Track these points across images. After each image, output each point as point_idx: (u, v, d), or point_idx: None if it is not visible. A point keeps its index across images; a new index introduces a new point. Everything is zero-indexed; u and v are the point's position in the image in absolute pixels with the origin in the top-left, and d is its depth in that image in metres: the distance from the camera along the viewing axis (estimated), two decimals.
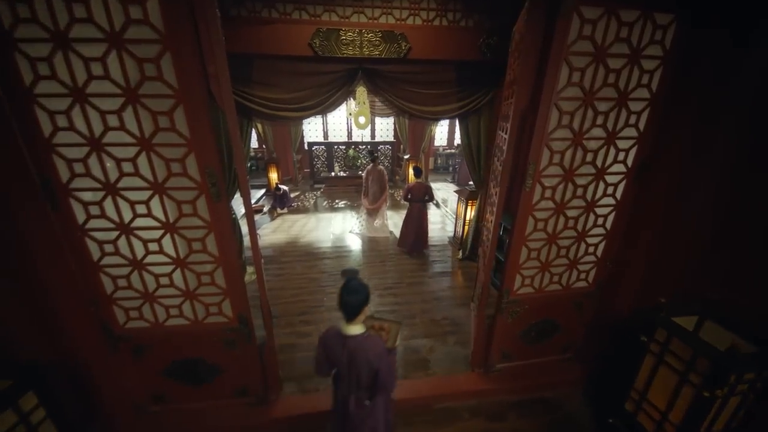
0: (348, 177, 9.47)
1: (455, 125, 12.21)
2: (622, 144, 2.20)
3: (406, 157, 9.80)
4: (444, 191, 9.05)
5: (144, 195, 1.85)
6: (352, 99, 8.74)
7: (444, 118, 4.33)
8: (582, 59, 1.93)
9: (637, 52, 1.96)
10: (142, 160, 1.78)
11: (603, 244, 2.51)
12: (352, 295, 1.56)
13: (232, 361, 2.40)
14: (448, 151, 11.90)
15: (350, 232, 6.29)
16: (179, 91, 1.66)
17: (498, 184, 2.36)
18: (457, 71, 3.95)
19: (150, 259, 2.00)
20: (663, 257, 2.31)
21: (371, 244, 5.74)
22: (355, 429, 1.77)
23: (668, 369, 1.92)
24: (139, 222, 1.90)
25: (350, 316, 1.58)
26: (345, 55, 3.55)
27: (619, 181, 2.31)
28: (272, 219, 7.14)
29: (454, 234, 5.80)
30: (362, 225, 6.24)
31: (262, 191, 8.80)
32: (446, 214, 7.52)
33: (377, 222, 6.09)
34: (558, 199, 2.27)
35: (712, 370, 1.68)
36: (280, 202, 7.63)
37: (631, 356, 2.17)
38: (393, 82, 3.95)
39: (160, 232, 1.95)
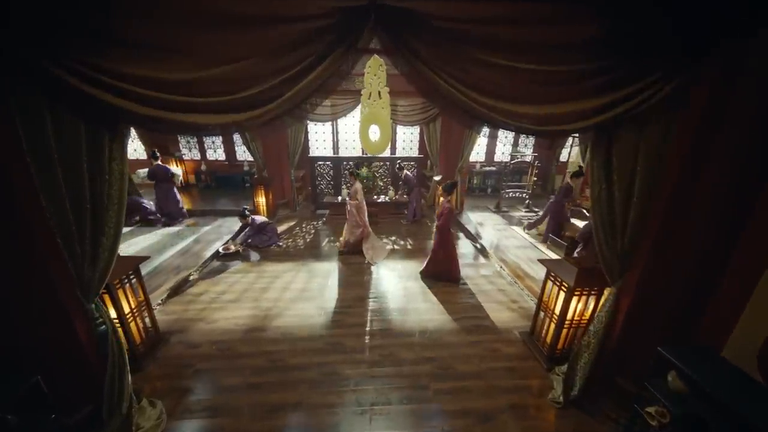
0: None
1: (501, 134, 9.50)
2: None
3: (436, 178, 7.46)
4: (490, 228, 6.56)
5: None
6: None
7: (562, 132, 1.94)
8: None
9: None
10: None
11: None
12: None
13: None
14: (488, 168, 9.44)
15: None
16: None
17: None
18: (602, 17, 1.62)
19: None
20: None
21: (398, 351, 3.39)
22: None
23: None
24: None
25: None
26: None
27: None
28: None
29: (534, 328, 3.34)
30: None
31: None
32: (501, 272, 4.78)
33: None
34: None
35: None
36: (252, 237, 5.53)
37: None
38: (450, 41, 1.65)
39: None
